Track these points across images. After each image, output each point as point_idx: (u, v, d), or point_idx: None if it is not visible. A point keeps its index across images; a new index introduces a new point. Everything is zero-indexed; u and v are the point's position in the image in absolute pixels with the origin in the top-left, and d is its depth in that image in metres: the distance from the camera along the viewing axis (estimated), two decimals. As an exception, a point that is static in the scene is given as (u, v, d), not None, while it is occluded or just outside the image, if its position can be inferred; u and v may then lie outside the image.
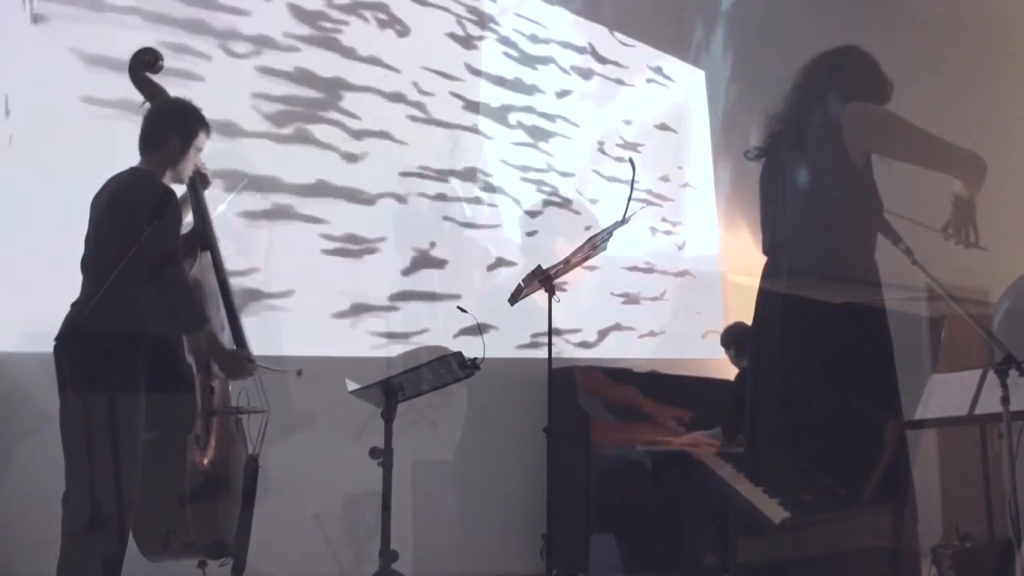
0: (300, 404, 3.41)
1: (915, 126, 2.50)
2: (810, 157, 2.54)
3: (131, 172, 2.71)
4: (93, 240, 2.64)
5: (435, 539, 3.77)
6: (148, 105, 2.84)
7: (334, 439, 3.50)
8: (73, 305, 2.59)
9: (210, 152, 2.90)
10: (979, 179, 2.45)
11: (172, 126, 2.77)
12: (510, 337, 4.09)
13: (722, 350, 4.04)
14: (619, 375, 4.05)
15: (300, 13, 4.01)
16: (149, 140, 2.76)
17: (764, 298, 2.63)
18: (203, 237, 2.82)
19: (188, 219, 2.87)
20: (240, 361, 2.77)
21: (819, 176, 2.53)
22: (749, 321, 2.78)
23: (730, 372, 4.01)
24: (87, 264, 2.62)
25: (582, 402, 3.80)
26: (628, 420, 3.79)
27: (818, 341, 2.45)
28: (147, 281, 2.49)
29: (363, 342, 3.96)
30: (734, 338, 3.87)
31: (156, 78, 2.86)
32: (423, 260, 4.19)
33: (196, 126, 2.80)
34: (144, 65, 2.85)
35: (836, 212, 2.52)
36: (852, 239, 2.51)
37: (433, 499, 3.85)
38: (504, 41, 4.62)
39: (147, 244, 2.38)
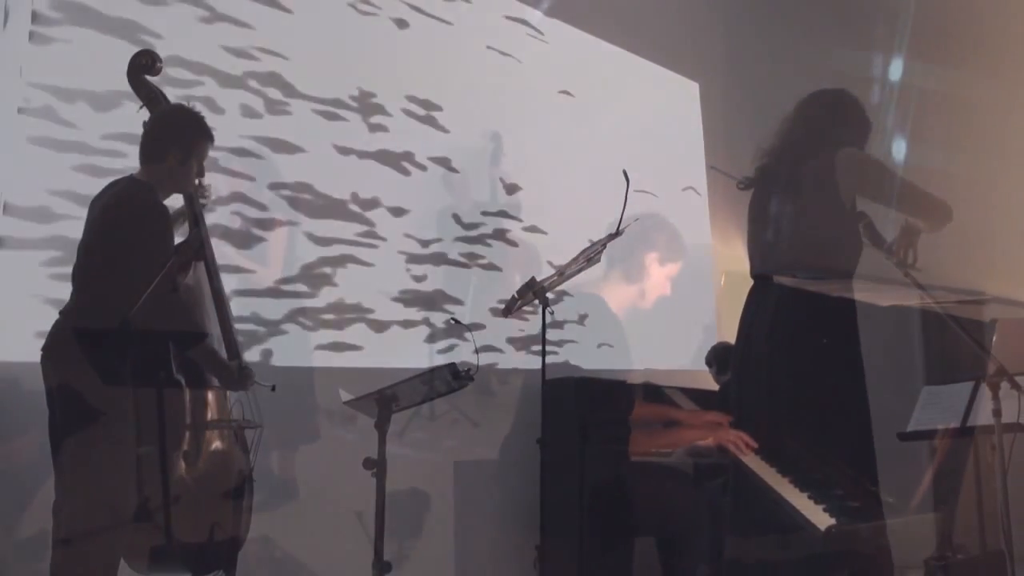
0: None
1: (898, 175, 2.72)
2: (802, 194, 2.71)
3: (128, 184, 2.64)
4: (83, 250, 2.60)
5: (429, 546, 3.76)
6: (145, 109, 2.75)
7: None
8: (61, 313, 2.56)
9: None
10: (943, 225, 2.64)
11: (171, 139, 2.68)
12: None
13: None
14: (618, 387, 4.04)
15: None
16: (148, 152, 2.68)
17: (749, 319, 2.74)
18: (198, 248, 2.74)
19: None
20: (240, 374, 2.73)
21: (810, 213, 2.72)
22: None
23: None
24: (76, 272, 2.59)
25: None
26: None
27: (799, 361, 2.64)
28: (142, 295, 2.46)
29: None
30: (716, 356, 4.02)
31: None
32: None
33: (196, 138, 2.72)
34: (141, 68, 2.76)
35: (826, 246, 2.70)
36: (839, 269, 2.63)
37: (428, 505, 3.85)
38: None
39: (138, 258, 2.38)
